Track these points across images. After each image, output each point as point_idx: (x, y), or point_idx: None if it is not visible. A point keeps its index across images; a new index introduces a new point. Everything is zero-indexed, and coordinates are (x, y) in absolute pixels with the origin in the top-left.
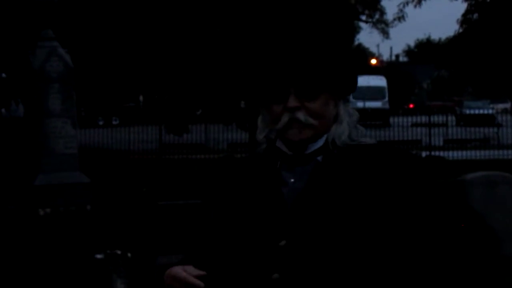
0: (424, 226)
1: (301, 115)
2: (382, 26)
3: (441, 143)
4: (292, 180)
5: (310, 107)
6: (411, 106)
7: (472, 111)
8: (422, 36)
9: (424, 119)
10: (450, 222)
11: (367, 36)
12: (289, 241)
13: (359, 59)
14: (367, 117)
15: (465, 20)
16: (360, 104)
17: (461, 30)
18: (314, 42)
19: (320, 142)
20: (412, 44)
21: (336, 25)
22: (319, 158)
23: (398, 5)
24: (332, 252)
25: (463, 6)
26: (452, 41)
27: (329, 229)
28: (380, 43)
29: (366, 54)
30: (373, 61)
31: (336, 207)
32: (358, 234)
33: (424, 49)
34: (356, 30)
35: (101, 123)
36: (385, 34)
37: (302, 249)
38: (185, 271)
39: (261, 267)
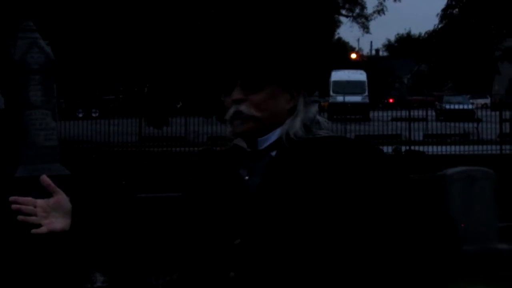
0: (380, 220)
1: (244, 107)
2: (363, 20)
3: (421, 138)
4: (247, 177)
5: (253, 99)
6: (391, 100)
7: (452, 106)
8: (402, 30)
9: (404, 113)
10: (404, 214)
11: (347, 31)
12: (243, 239)
13: (326, 55)
14: (347, 112)
15: (445, 15)
16: (340, 98)
17: (441, 25)
18: (262, 35)
19: (273, 137)
20: (392, 38)
21: (295, 20)
22: (273, 153)
23: None
24: (285, 249)
25: (444, 1)
26: (432, 36)
27: (283, 225)
28: (360, 38)
29: (346, 48)
30: (353, 56)
31: (290, 203)
32: (312, 230)
33: (404, 44)
34: (337, 24)
35: (80, 115)
36: (366, 28)
37: (256, 247)
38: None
39: (219, 265)
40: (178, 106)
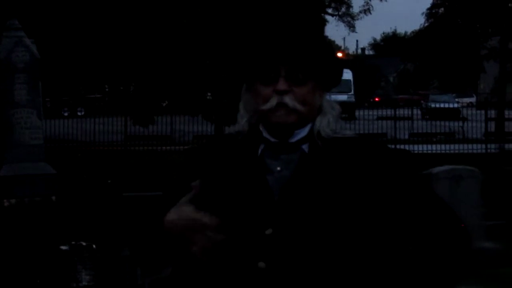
0: (404, 218)
1: (288, 100)
2: (348, 19)
3: (407, 137)
4: (279, 168)
5: (298, 92)
6: (377, 99)
7: (437, 105)
8: (388, 29)
9: (389, 112)
10: (427, 213)
11: (333, 29)
12: (275, 230)
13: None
14: None
15: (431, 14)
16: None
17: (427, 24)
18: (306, 28)
19: (305, 131)
20: (378, 37)
21: (318, 17)
22: (304, 147)
23: None
24: (318, 241)
25: (429, 0)
26: (418, 35)
27: (316, 218)
28: (346, 37)
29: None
30: (339, 54)
31: (323, 197)
32: (345, 224)
33: (390, 43)
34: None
35: (66, 114)
36: (351, 27)
37: (289, 237)
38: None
39: (247, 255)
40: (164, 104)
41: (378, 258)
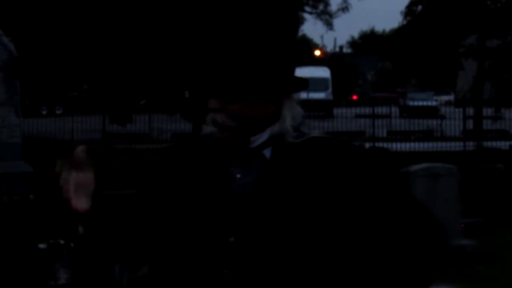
0: (374, 219)
1: (218, 117)
2: (326, 17)
3: (385, 135)
4: (239, 175)
5: (231, 109)
6: (355, 97)
7: (415, 103)
8: (366, 27)
9: (368, 110)
10: (399, 213)
11: (311, 27)
12: (238, 237)
13: (297, 55)
14: (310, 108)
15: (409, 12)
16: (303, 95)
17: (405, 22)
18: (239, 47)
19: (264, 136)
20: (356, 35)
21: (271, 27)
22: (265, 152)
23: None
24: (281, 248)
25: None
26: (396, 33)
27: (279, 225)
28: (324, 34)
29: (310, 45)
30: (317, 52)
31: (286, 203)
32: (309, 230)
33: (368, 41)
34: (300, 21)
35: (44, 112)
36: (329, 25)
37: (252, 245)
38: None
39: (210, 263)
40: (142, 103)
41: (347, 262)
